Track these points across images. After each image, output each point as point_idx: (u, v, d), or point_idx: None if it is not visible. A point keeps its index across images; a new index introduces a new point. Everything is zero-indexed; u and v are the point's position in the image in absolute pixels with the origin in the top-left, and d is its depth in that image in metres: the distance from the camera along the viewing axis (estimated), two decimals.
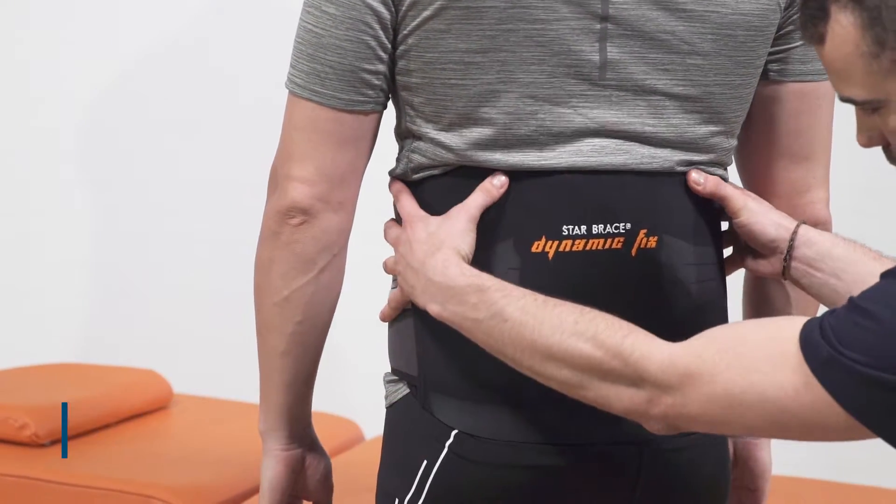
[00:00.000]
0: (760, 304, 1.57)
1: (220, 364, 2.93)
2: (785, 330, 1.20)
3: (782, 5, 1.44)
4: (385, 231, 1.46)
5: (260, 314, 1.47)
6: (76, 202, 2.89)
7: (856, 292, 1.21)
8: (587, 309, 1.29)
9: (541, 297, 1.31)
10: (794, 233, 1.43)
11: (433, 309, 1.36)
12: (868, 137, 1.25)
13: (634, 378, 1.24)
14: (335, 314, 1.49)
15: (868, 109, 1.23)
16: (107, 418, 2.52)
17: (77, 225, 2.91)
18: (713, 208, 1.47)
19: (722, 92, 1.43)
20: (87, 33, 2.83)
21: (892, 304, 1.15)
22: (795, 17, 1.45)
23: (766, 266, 1.46)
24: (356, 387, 2.71)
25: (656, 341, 1.25)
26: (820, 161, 1.52)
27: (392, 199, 1.46)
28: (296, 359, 1.47)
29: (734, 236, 1.50)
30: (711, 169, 1.46)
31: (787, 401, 1.18)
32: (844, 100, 1.24)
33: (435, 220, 1.40)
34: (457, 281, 1.34)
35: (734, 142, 1.48)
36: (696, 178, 1.43)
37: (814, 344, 1.17)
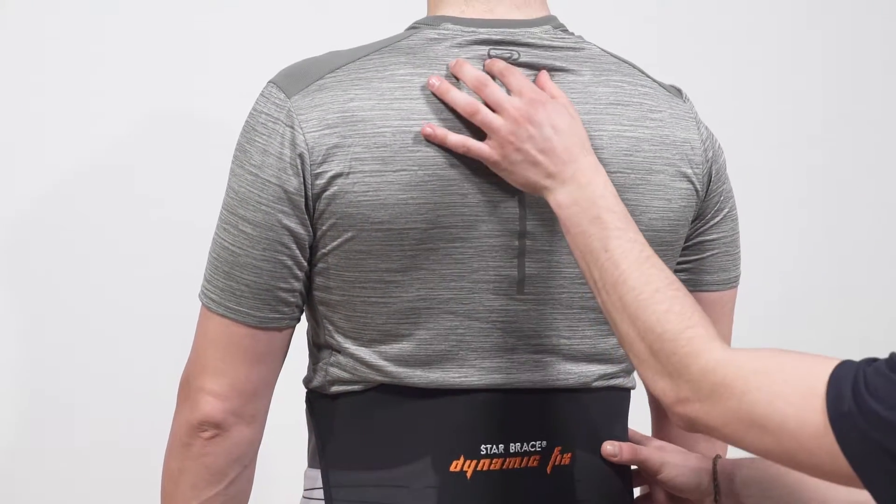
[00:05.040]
0: None
1: None
2: (822, 366, 1.14)
3: (690, 219, 1.41)
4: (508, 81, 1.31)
5: None
6: None
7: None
8: (675, 282, 1.24)
9: (647, 251, 1.25)
10: (714, 472, 1.40)
11: (561, 195, 1.28)
12: None
13: (673, 371, 1.19)
14: None
15: None
16: None
17: None
18: (623, 420, 1.43)
19: None
20: (11, 147, 2.63)
21: None
22: (702, 228, 1.43)
23: None
24: None
25: (713, 343, 1.19)
26: None
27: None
28: None
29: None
30: (620, 380, 1.41)
31: (804, 438, 1.12)
32: None
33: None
34: (596, 189, 1.27)
35: None
36: (612, 450, 1.39)
37: (839, 394, 1.11)
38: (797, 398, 1.13)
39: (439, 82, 1.28)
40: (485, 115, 1.28)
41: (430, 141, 1.28)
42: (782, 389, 1.14)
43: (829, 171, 2.57)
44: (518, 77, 1.30)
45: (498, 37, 1.33)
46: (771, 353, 1.18)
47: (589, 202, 1.26)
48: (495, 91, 1.29)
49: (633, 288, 1.22)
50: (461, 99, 1.28)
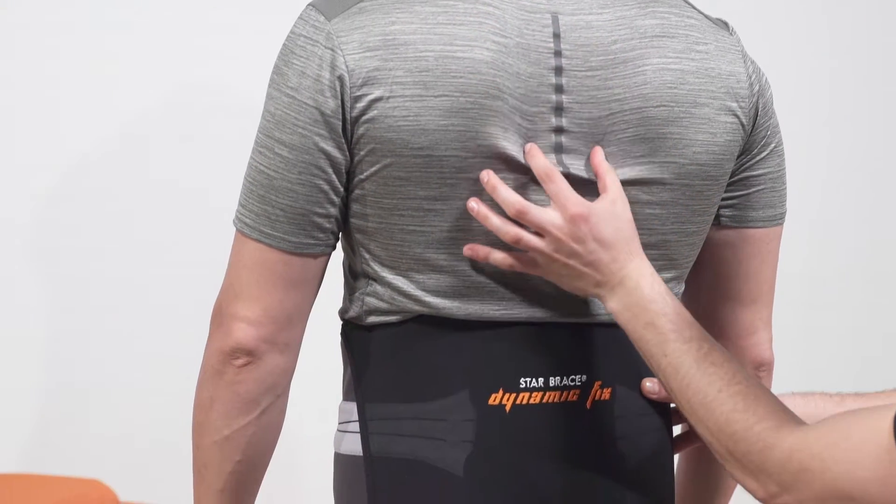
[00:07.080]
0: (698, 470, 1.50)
1: (168, 468, 2.75)
2: (883, 420, 1.14)
3: (736, 153, 1.35)
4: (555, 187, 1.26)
5: (198, 451, 1.34)
6: (22, 299, 2.69)
7: None
8: (737, 375, 1.24)
9: (705, 347, 1.25)
10: None
11: (612, 303, 1.27)
12: None
13: (754, 469, 1.20)
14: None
15: None
16: None
17: (20, 323, 2.71)
18: None
19: (678, 239, 1.34)
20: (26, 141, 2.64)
21: None
22: (749, 163, 1.38)
23: None
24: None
25: (782, 432, 1.20)
26: (766, 303, 1.44)
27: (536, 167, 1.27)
28: (233, 496, 1.35)
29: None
30: None
31: (890, 496, 1.13)
32: None
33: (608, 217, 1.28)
34: (644, 293, 1.26)
35: (683, 286, 1.39)
36: (651, 387, 1.35)
37: None
38: (871, 461, 1.13)
39: (478, 206, 1.25)
40: (528, 240, 1.26)
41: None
42: (855, 457, 1.14)
43: (854, 153, 2.51)
44: (559, 185, 1.26)
45: None
46: (835, 422, 1.18)
47: (640, 308, 1.26)
48: (536, 216, 1.25)
49: (698, 392, 1.23)
50: (502, 227, 1.25)
